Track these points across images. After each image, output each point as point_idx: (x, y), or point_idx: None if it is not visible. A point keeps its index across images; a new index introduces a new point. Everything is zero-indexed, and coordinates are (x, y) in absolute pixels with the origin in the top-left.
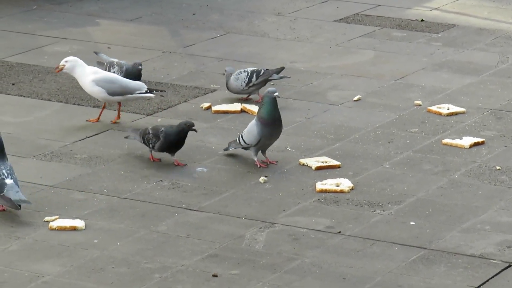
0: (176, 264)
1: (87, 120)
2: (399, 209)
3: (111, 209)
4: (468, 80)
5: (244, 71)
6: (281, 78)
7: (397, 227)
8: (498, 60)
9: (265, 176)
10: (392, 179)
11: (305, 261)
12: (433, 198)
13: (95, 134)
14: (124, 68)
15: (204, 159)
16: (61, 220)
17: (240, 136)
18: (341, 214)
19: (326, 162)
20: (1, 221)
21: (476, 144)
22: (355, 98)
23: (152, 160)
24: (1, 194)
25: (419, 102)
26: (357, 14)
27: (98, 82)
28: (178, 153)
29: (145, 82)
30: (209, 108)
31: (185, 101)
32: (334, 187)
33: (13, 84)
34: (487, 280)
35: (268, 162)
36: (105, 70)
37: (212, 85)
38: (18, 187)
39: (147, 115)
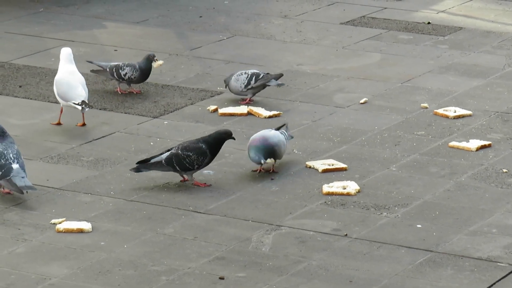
0: (183, 266)
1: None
2: (405, 212)
3: (118, 212)
4: (475, 83)
5: (245, 73)
6: (278, 85)
7: (403, 230)
8: (505, 63)
9: (272, 177)
10: (398, 181)
11: (312, 264)
12: (440, 201)
13: (102, 137)
14: (137, 67)
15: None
16: (68, 222)
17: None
18: (348, 217)
19: (332, 165)
20: (8, 223)
21: (483, 147)
22: (362, 101)
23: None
24: (8, 178)
25: (425, 104)
26: (364, 16)
27: (55, 82)
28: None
29: (152, 84)
30: (215, 110)
31: (191, 104)
32: (340, 190)
33: (20, 86)
34: (494, 283)
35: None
36: (111, 76)
37: (218, 88)
38: (25, 171)
39: (154, 118)
